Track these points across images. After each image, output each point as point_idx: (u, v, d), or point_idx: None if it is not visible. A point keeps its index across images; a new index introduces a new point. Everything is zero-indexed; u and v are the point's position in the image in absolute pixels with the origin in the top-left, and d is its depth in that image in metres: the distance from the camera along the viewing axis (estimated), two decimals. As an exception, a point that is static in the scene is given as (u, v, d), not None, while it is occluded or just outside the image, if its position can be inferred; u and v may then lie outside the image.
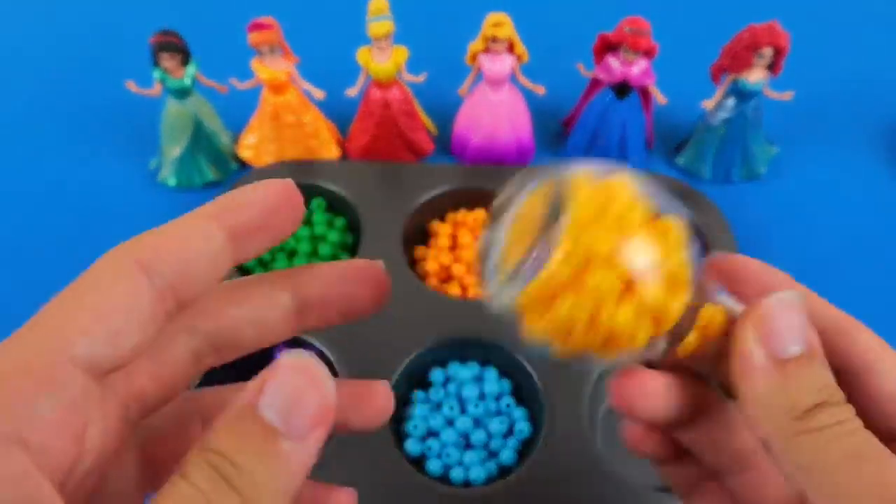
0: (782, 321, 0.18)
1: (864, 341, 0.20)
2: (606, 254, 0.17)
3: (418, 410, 0.43)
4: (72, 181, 0.57)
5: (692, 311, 0.19)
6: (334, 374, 0.43)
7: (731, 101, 0.53)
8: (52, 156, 0.59)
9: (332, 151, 0.56)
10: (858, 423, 0.18)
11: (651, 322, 0.18)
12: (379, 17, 0.49)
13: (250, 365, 0.46)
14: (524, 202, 0.19)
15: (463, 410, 0.43)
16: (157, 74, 0.51)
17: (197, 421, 0.22)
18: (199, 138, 0.54)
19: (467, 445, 0.42)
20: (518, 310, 0.19)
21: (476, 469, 0.41)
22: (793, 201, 0.56)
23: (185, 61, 0.51)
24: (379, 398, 0.22)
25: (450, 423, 0.43)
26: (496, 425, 0.42)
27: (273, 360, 0.44)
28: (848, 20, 0.71)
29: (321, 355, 0.44)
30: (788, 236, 0.54)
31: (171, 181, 0.56)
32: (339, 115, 0.58)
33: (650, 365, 0.21)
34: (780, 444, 0.18)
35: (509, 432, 0.43)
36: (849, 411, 0.18)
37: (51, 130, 0.61)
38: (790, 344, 0.18)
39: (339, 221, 0.52)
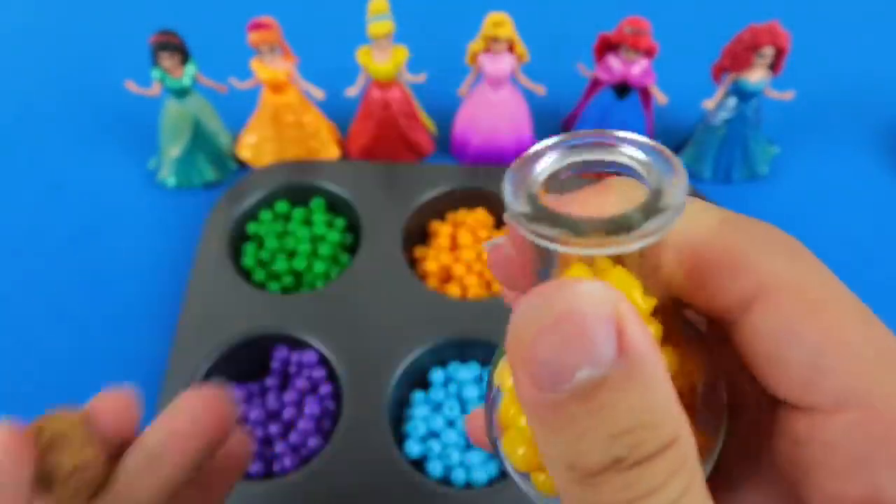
0: (550, 343, 0.12)
1: (757, 277, 0.14)
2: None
3: (418, 411, 0.43)
4: (71, 181, 0.57)
5: None
6: (334, 374, 0.43)
7: (731, 101, 0.53)
8: (52, 156, 0.59)
9: (332, 151, 0.56)
10: (674, 490, 0.12)
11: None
12: (379, 17, 0.49)
13: (250, 363, 0.46)
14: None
15: (464, 411, 0.43)
16: (156, 74, 0.51)
17: None
18: (199, 138, 0.54)
19: (468, 446, 0.42)
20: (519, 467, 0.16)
21: (478, 470, 0.41)
22: (793, 201, 0.56)
23: (185, 61, 0.50)
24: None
25: (450, 423, 0.43)
26: (496, 426, 0.42)
27: (273, 359, 0.44)
28: (848, 20, 0.71)
29: (321, 356, 0.44)
30: (789, 236, 0.54)
31: (171, 181, 0.56)
32: (339, 115, 0.58)
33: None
34: None
35: (510, 433, 0.43)
36: (658, 471, 0.12)
37: (50, 130, 0.61)
38: (564, 377, 0.12)
39: (339, 221, 0.52)
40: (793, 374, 0.14)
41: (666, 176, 0.13)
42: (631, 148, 0.14)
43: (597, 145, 0.14)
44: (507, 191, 0.14)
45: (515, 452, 0.15)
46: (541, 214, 0.13)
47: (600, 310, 0.12)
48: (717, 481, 0.16)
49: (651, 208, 0.13)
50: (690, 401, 0.14)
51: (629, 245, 0.12)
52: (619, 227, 0.12)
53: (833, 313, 0.14)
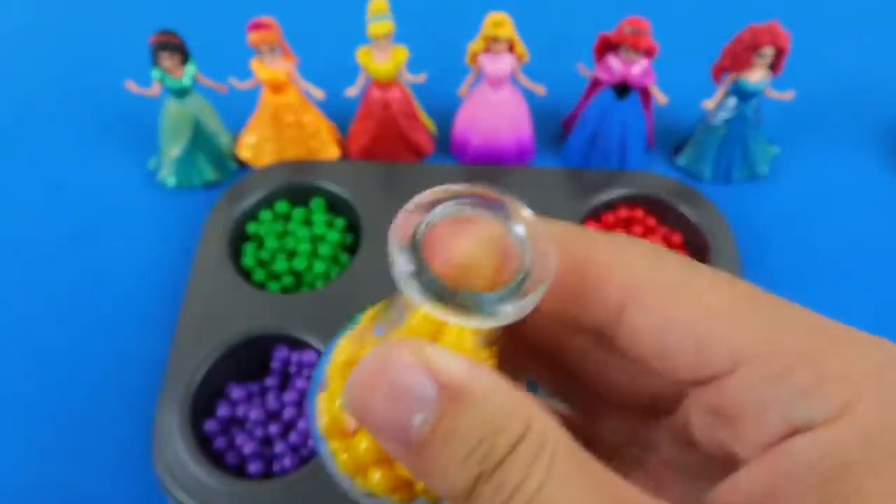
0: (380, 408, 0.13)
1: (619, 277, 0.15)
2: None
3: (418, 411, 0.43)
4: (71, 181, 0.57)
5: None
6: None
7: (731, 101, 0.53)
8: (52, 156, 0.59)
9: (332, 151, 0.56)
10: (537, 475, 0.12)
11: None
12: (379, 17, 0.49)
13: (250, 363, 0.46)
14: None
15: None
16: (156, 74, 0.51)
17: None
18: (199, 138, 0.54)
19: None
20: (325, 435, 0.16)
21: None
22: (794, 201, 0.56)
23: (185, 61, 0.50)
24: None
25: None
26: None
27: (273, 357, 0.44)
28: (848, 20, 0.71)
29: (320, 355, 0.44)
30: (789, 236, 0.54)
31: (171, 181, 0.56)
32: (339, 115, 0.58)
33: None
34: None
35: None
36: (517, 465, 0.13)
37: (50, 130, 0.61)
38: (406, 429, 0.13)
39: (339, 222, 0.52)
40: (681, 357, 0.14)
41: (537, 262, 0.14)
42: (516, 222, 0.15)
43: (486, 206, 0.15)
44: (395, 237, 0.15)
45: (341, 456, 0.16)
46: (418, 272, 0.14)
47: (406, 362, 0.13)
48: (656, 476, 0.17)
49: (514, 291, 0.14)
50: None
51: (483, 324, 0.14)
52: (478, 308, 0.13)
53: (698, 290, 0.15)
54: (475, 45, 0.51)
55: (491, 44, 0.50)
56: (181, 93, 0.52)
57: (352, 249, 0.51)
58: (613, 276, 0.15)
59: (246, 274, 0.50)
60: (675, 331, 0.14)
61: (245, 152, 0.56)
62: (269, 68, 0.51)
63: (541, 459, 0.13)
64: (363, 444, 0.15)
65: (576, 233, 0.16)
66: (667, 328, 0.14)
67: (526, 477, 0.12)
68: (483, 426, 0.13)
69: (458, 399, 0.13)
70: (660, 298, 0.15)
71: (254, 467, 0.41)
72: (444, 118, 0.58)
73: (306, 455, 0.41)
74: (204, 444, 0.42)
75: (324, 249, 0.50)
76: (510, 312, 0.13)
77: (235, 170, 0.57)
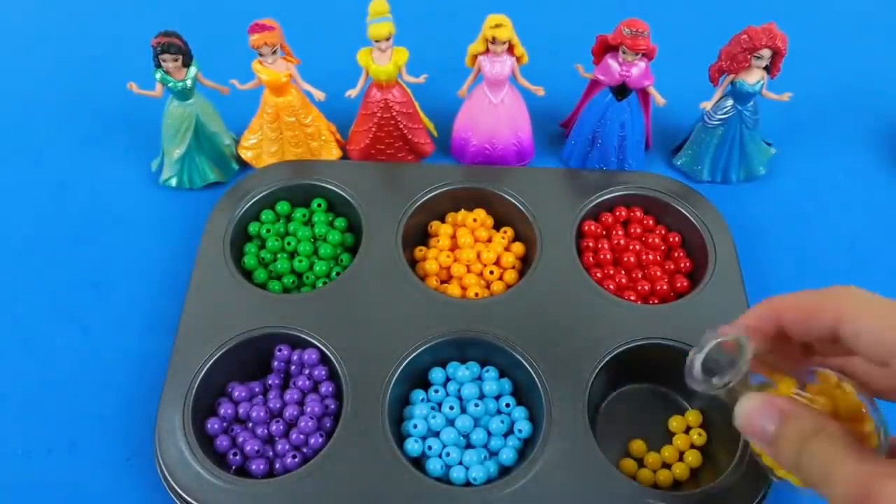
0: (756, 425, 0.29)
1: (849, 318, 0.27)
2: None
3: (418, 410, 0.43)
4: (74, 182, 0.58)
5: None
6: (335, 373, 0.44)
7: (729, 103, 0.53)
8: (56, 156, 0.60)
9: (332, 152, 0.57)
10: (817, 444, 0.26)
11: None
12: (379, 19, 0.49)
13: (252, 363, 0.46)
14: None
15: (463, 410, 0.43)
16: (158, 76, 0.51)
17: None
18: (201, 139, 0.54)
19: (468, 445, 0.43)
20: None
21: (476, 469, 0.41)
22: (791, 202, 0.57)
23: (187, 63, 0.51)
24: None
25: (450, 423, 0.43)
26: (496, 425, 0.43)
27: (274, 357, 0.44)
28: (846, 22, 0.71)
29: (322, 355, 0.44)
30: (787, 237, 0.54)
31: (173, 182, 0.56)
32: (340, 116, 0.58)
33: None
34: None
35: (509, 432, 0.43)
36: (810, 442, 0.27)
37: (53, 131, 0.61)
38: (766, 436, 0.28)
39: (340, 222, 0.53)
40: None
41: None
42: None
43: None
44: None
45: (776, 470, 0.31)
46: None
47: (770, 404, 0.28)
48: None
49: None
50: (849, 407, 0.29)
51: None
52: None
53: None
54: (475, 46, 0.51)
55: (490, 45, 0.50)
56: (183, 94, 0.52)
57: (352, 249, 0.52)
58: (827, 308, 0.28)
59: (247, 274, 0.50)
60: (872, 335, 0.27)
61: (246, 153, 0.57)
62: (270, 70, 0.51)
63: (819, 437, 0.26)
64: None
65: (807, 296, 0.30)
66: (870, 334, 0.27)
67: (812, 444, 0.26)
68: (795, 429, 0.27)
69: (786, 421, 0.28)
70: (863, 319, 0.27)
71: (255, 466, 0.42)
72: (444, 119, 0.58)
73: (308, 454, 0.42)
74: (206, 443, 0.42)
75: (325, 249, 0.50)
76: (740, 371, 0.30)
77: (237, 170, 0.58)
